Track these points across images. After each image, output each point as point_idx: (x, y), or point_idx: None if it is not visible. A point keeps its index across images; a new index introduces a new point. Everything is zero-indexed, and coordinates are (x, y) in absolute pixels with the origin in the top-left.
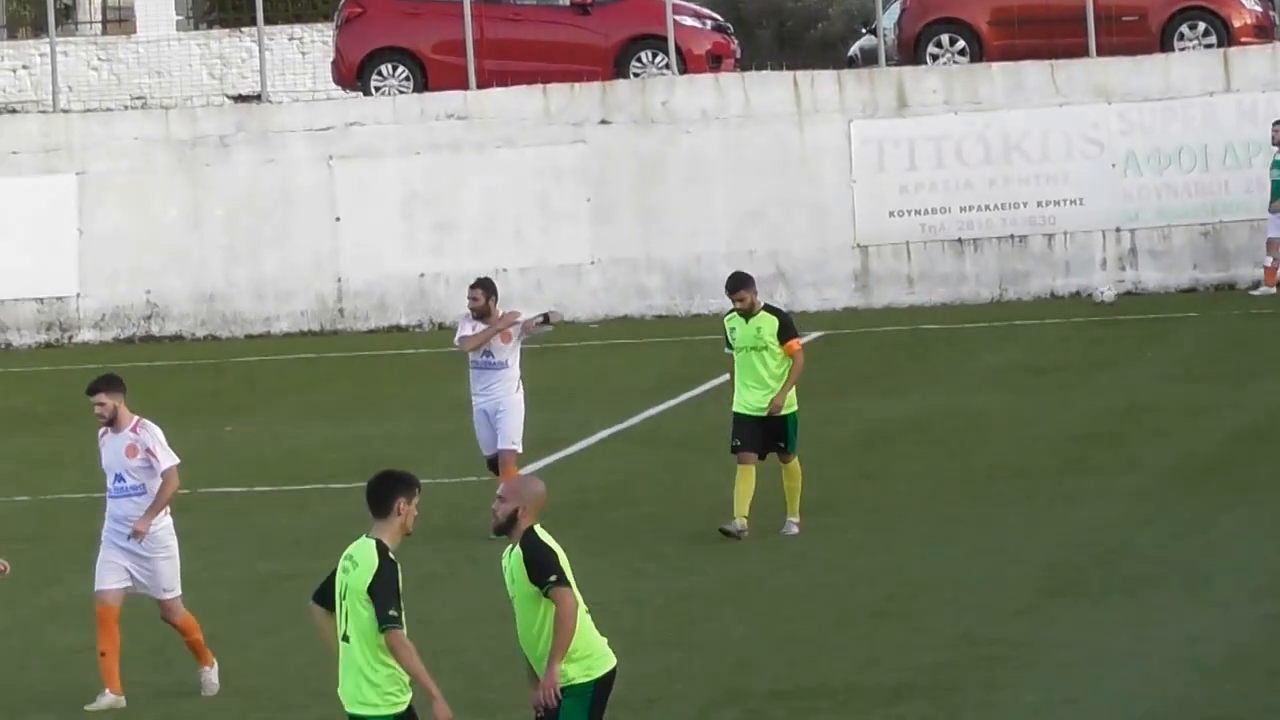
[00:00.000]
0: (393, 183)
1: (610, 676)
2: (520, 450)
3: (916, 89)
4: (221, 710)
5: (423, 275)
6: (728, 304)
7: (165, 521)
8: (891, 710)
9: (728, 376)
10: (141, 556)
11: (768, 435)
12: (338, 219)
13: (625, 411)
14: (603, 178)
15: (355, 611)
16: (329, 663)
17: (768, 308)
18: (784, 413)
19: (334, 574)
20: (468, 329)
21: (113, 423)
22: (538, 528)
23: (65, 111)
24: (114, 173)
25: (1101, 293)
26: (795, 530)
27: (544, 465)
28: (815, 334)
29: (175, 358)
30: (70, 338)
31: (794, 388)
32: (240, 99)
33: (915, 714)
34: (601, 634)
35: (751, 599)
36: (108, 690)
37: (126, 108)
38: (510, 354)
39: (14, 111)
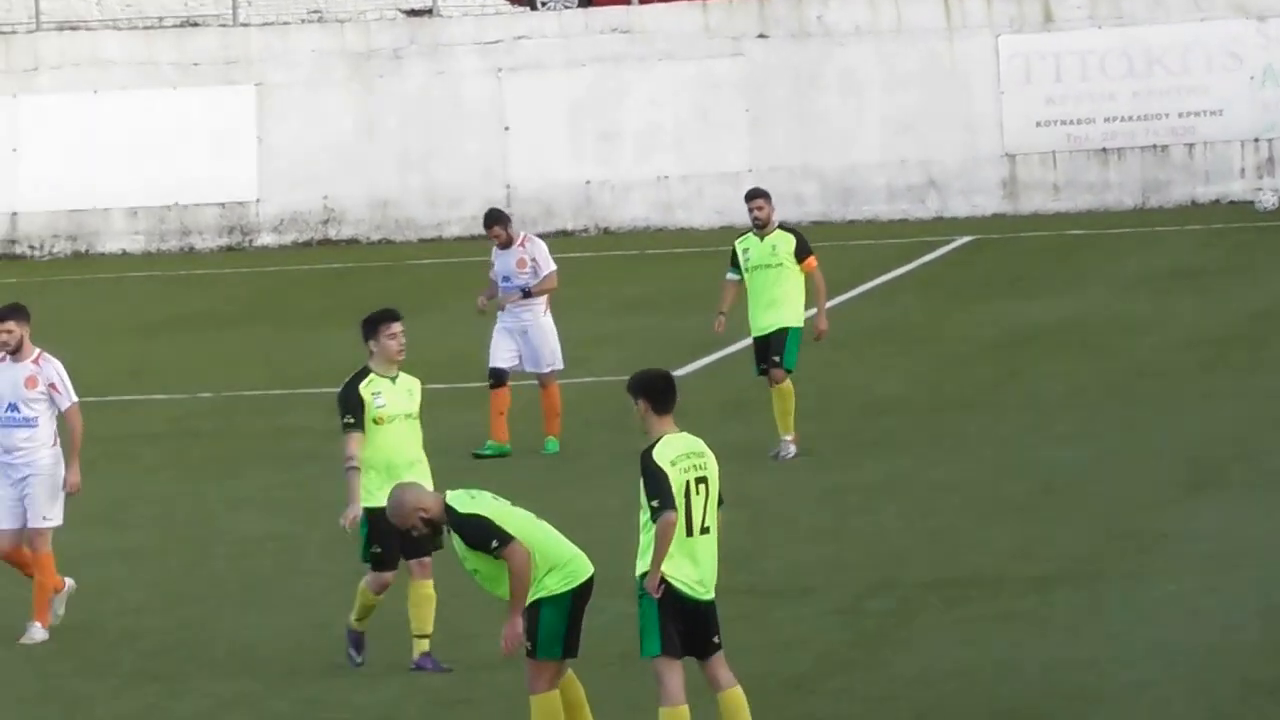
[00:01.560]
0: (559, 94)
1: (587, 586)
2: (562, 367)
3: (1061, 5)
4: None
5: (588, 182)
6: (881, 211)
7: (54, 452)
8: (1040, 598)
9: (722, 302)
10: (24, 482)
11: (766, 349)
12: (506, 129)
13: None
14: (760, 90)
15: (716, 503)
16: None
17: (783, 226)
18: (785, 325)
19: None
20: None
21: (16, 351)
22: (450, 498)
23: (244, 25)
24: (292, 83)
25: (1263, 200)
26: (792, 451)
27: (703, 366)
28: (964, 239)
29: (350, 260)
30: (250, 241)
31: (799, 302)
32: (412, 13)
33: (1063, 601)
34: (760, 526)
35: (904, 493)
36: (38, 623)
37: (303, 21)
38: (530, 276)
39: (195, 25)
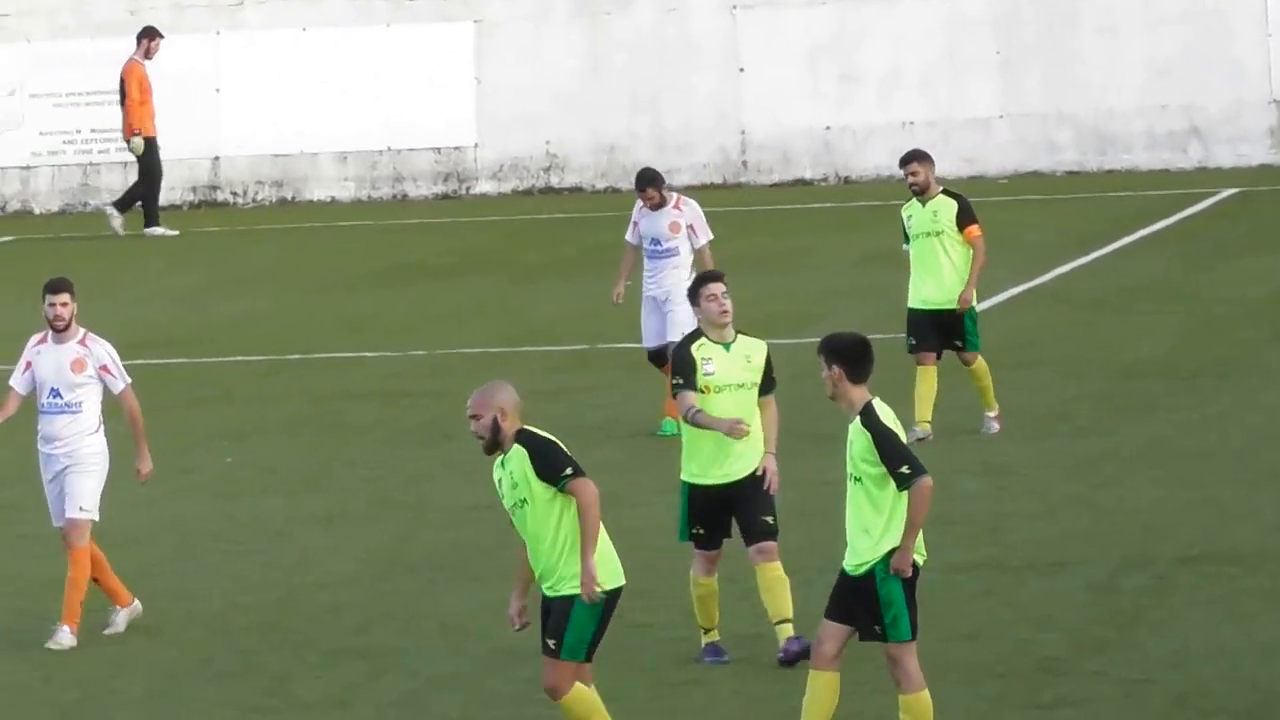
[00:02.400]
0: (797, 33)
1: (617, 594)
2: None
3: None
4: None
5: (828, 127)
6: (1141, 160)
7: (98, 439)
8: None
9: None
10: (64, 473)
11: (942, 332)
12: (741, 70)
13: (1035, 268)
14: (1011, 30)
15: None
16: None
17: (946, 191)
18: (953, 307)
19: None
20: (634, 221)
21: (65, 329)
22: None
23: None
24: (512, 20)
25: None
26: (996, 427)
27: None
28: (1229, 191)
29: (573, 210)
30: (468, 189)
31: (965, 275)
32: None
33: None
34: (1009, 496)
35: (1162, 461)
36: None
37: None
38: (681, 241)
39: None
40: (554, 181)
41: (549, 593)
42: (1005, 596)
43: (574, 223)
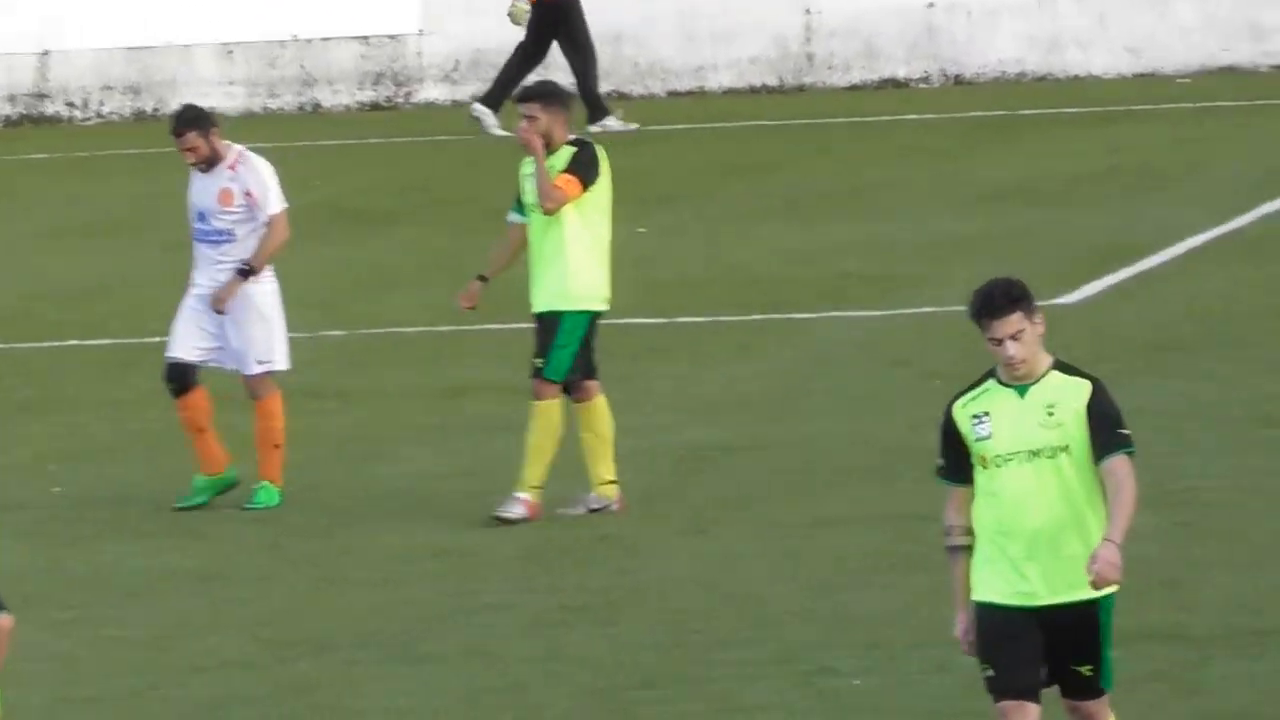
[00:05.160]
0: None
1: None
2: (283, 367)
3: None
4: None
5: (930, 4)
6: None
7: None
8: None
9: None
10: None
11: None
12: None
13: (1226, 208)
14: None
15: None
16: None
17: (576, 141)
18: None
19: None
20: None
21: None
22: None
23: None
24: None
25: None
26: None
27: (1108, 285)
28: None
29: None
30: (408, 96)
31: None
32: None
33: None
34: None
35: None
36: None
37: None
38: (238, 221)
39: None
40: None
41: None
42: (1185, 681)
43: None
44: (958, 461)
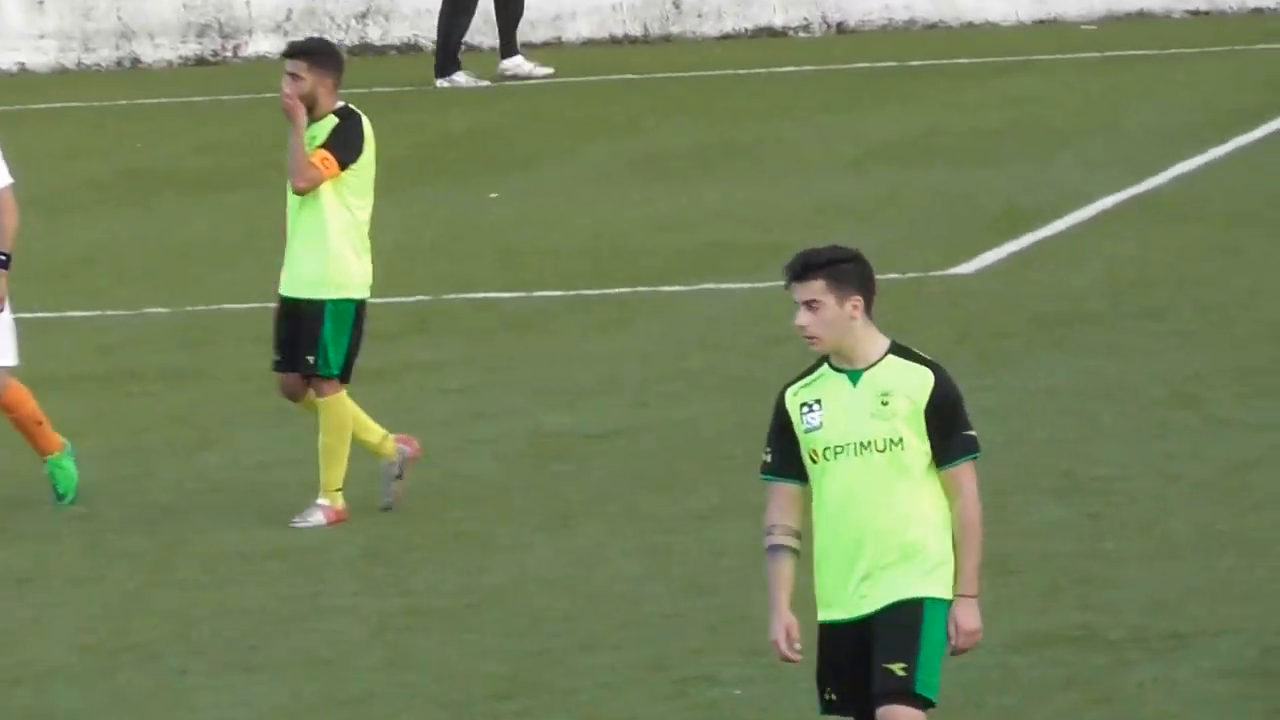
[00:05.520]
0: None
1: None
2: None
3: None
4: None
5: None
6: None
7: None
8: None
9: None
10: None
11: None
12: None
13: (1137, 167)
14: None
15: None
16: None
17: (340, 111)
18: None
19: None
20: None
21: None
22: None
23: None
24: None
25: None
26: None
27: (1009, 253)
28: None
29: (405, 80)
30: (236, 49)
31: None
32: None
33: None
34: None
35: None
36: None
37: None
38: None
39: None
40: (373, 36)
41: None
42: (1098, 688)
43: (405, 99)
44: (788, 455)
